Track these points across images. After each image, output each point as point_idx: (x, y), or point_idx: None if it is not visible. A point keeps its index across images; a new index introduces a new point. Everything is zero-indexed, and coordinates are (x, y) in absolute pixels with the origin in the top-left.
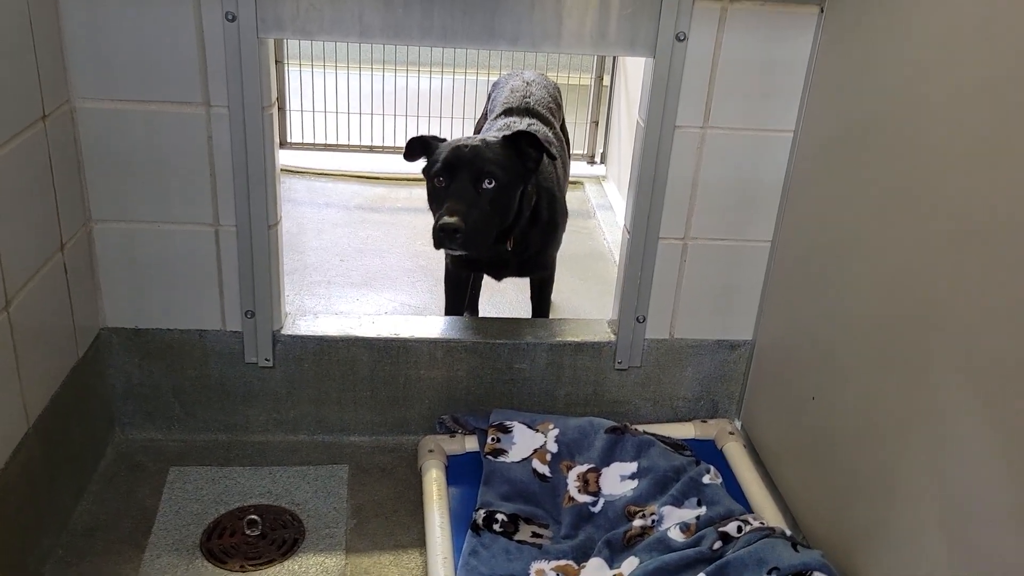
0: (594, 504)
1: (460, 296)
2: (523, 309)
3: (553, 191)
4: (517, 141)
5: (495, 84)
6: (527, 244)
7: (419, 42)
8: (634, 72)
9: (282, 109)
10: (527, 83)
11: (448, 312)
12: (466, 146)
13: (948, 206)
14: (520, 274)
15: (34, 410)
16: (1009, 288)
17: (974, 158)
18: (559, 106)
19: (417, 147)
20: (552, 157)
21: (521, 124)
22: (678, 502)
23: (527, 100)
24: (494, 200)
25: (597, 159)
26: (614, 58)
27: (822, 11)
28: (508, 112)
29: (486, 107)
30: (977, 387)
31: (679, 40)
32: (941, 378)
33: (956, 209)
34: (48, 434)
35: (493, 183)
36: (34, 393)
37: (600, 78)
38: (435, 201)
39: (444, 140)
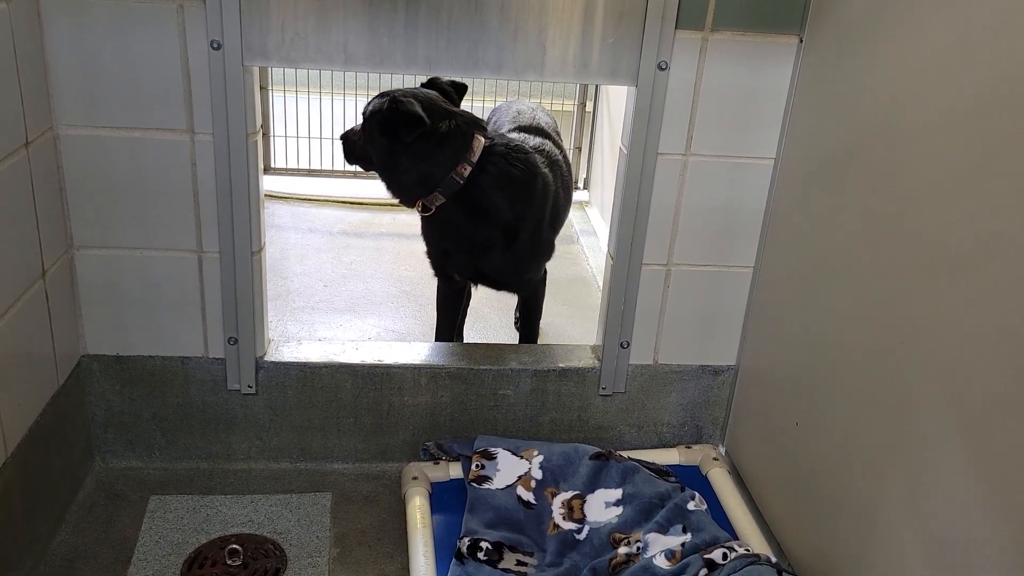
0: (579, 531)
1: (451, 313)
2: (507, 335)
3: (538, 216)
4: (392, 109)
5: (495, 110)
6: (463, 230)
7: (403, 70)
8: (617, 99)
9: (266, 135)
10: (532, 108)
11: (439, 329)
12: (377, 97)
13: (929, 233)
14: (491, 281)
15: (12, 439)
16: (989, 316)
17: (954, 185)
18: (559, 134)
19: None
20: (421, 124)
21: (533, 141)
22: (663, 529)
23: (536, 122)
24: (365, 138)
25: (580, 184)
26: (597, 85)
27: (801, 41)
28: (520, 129)
29: None
30: (957, 415)
31: (661, 69)
32: (922, 406)
33: (936, 236)
34: (26, 463)
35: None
36: (12, 421)
37: (583, 104)
38: None
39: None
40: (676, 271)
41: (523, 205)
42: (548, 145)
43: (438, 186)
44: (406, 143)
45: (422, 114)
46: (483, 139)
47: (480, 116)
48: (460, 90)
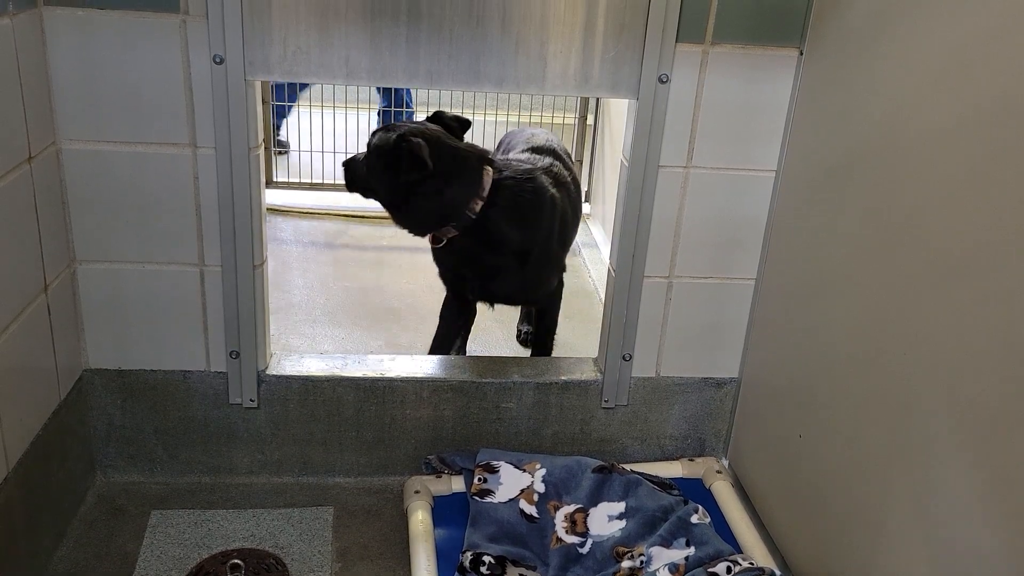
0: (582, 545)
1: (453, 323)
2: (509, 348)
3: (547, 236)
4: (397, 148)
5: (508, 134)
6: (479, 259)
7: (405, 84)
8: (617, 111)
9: (268, 148)
10: (545, 132)
11: (437, 336)
12: (381, 130)
13: (930, 243)
14: (505, 300)
15: (14, 453)
16: (992, 325)
17: (954, 195)
18: (570, 157)
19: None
20: (424, 168)
21: (543, 162)
22: (667, 542)
23: (548, 143)
24: (368, 171)
25: (581, 197)
26: (598, 98)
27: (801, 54)
28: (532, 150)
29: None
30: (962, 424)
31: (662, 82)
32: (925, 416)
33: (938, 246)
34: (28, 478)
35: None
36: (14, 436)
37: (584, 118)
38: None
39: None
40: (678, 283)
41: (533, 230)
42: (558, 166)
43: (450, 221)
44: (411, 183)
45: (426, 159)
46: (491, 171)
47: (486, 134)
48: (464, 125)
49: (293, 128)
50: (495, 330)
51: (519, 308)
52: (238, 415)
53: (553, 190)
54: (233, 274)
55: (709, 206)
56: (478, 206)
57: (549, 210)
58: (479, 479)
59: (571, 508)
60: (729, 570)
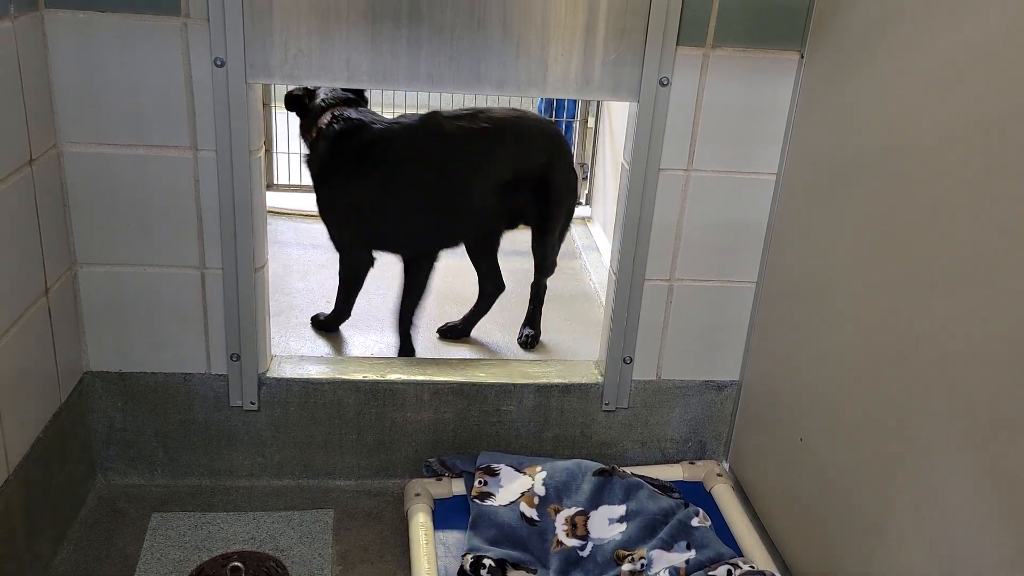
0: (582, 548)
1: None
2: (510, 350)
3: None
4: None
5: None
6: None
7: (406, 87)
8: (619, 114)
9: (269, 151)
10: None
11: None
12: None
13: (930, 247)
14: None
15: (15, 456)
16: (994, 329)
17: (955, 199)
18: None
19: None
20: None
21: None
22: (667, 546)
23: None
24: None
25: (583, 200)
26: (599, 101)
27: (802, 57)
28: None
29: None
30: (963, 429)
31: (662, 85)
32: (925, 420)
33: (938, 250)
34: (28, 480)
35: None
36: (15, 438)
37: (585, 120)
38: None
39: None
40: (679, 286)
41: (326, 161)
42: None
43: (305, 140)
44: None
45: (291, 98)
46: (337, 111)
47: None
48: (359, 92)
49: (294, 130)
50: (495, 332)
51: (523, 311)
52: (239, 418)
53: (382, 144)
54: (234, 277)
55: (710, 209)
56: (315, 133)
57: (349, 155)
58: (479, 482)
59: (572, 511)
60: (730, 573)
